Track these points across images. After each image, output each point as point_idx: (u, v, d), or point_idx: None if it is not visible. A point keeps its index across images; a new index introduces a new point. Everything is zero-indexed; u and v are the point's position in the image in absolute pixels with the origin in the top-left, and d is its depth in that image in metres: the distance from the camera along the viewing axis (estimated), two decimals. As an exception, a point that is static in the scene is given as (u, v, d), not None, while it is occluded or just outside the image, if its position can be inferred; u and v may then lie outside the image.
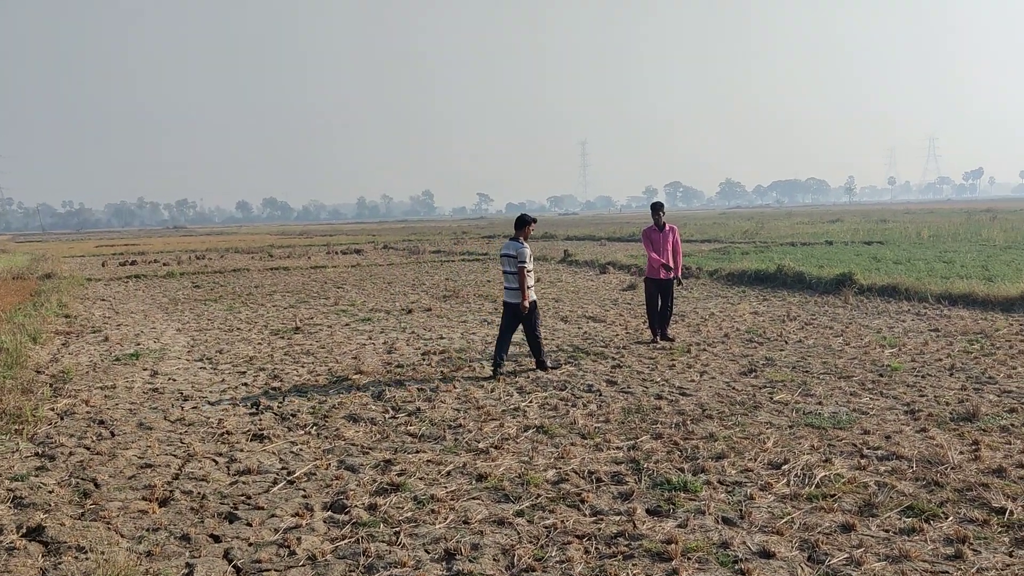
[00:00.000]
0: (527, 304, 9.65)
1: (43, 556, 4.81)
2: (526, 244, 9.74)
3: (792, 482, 5.74)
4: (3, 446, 7.06)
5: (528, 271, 9.66)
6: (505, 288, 9.90)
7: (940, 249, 25.54)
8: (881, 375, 9.04)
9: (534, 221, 10.02)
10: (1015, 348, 10.31)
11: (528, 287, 9.67)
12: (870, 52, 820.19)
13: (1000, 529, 4.87)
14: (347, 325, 14.32)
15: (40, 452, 6.91)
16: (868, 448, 6.45)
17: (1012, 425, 6.94)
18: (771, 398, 8.16)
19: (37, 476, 6.28)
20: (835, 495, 5.47)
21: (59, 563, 4.69)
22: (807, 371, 9.37)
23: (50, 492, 5.91)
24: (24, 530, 5.15)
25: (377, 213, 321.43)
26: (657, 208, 11.68)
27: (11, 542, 4.95)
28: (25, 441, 7.22)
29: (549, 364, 9.97)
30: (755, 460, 6.23)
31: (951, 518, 5.04)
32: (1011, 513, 5.05)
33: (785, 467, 6.04)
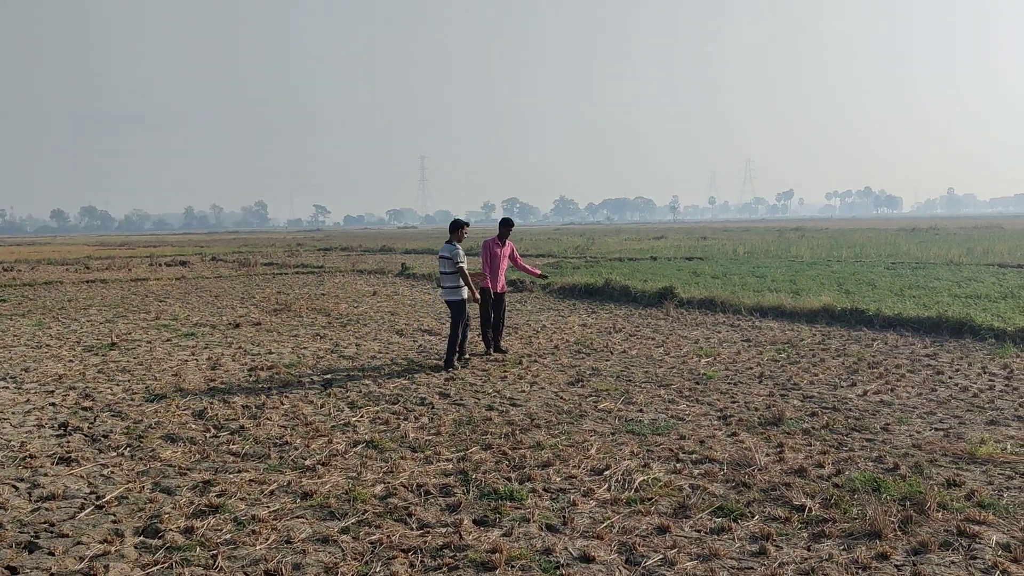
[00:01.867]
0: (478, 296, 10.96)
1: None
2: (458, 245, 10.86)
3: (613, 487, 5.95)
4: None
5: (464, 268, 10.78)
6: (442, 288, 10.91)
7: (754, 264, 27.25)
8: (697, 383, 9.53)
9: (467, 225, 11.19)
10: (817, 356, 11.12)
11: (463, 285, 10.79)
12: (693, 79, 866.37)
13: (800, 525, 5.23)
14: (168, 340, 13.65)
15: None
16: (684, 452, 6.78)
17: (813, 428, 7.48)
18: (596, 407, 8.43)
19: None
20: (652, 499, 5.71)
21: None
22: (630, 380, 9.75)
23: None
24: None
25: (206, 224, 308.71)
26: (508, 223, 11.95)
27: None
28: None
29: (454, 366, 10.68)
30: (579, 467, 6.41)
31: (757, 517, 5.37)
32: (810, 510, 5.43)
33: (607, 473, 6.25)
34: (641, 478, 6.10)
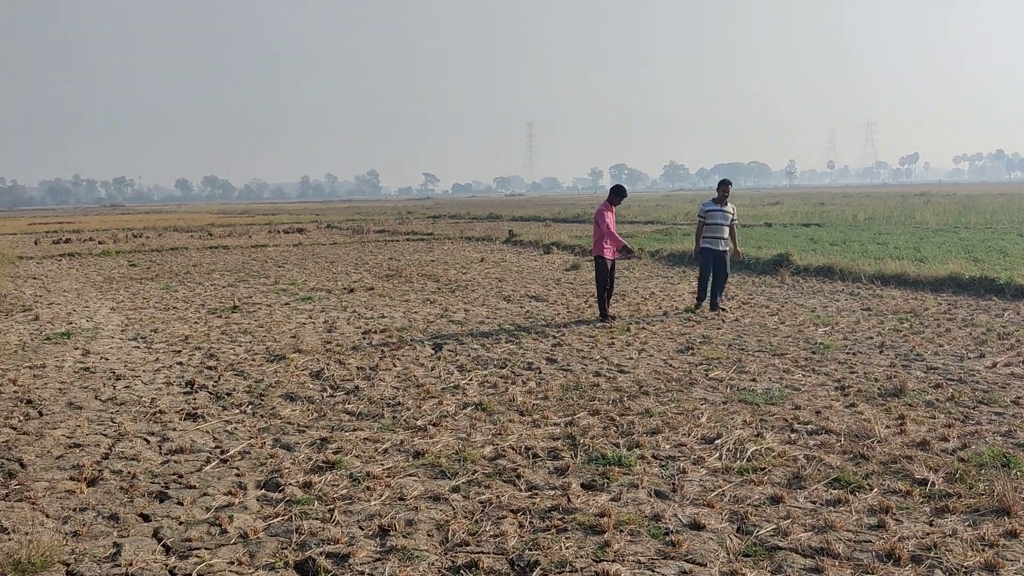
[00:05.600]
0: (740, 251, 12.98)
1: (-37, 538, 4.68)
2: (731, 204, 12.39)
3: (724, 456, 5.85)
4: (-77, 427, 6.83)
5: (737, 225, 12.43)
6: (713, 239, 12.29)
7: (875, 231, 26.16)
8: (814, 352, 9.25)
9: (730, 183, 12.67)
10: (943, 326, 10.62)
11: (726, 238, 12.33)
12: (811, 37, 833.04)
13: (922, 499, 5.02)
14: (287, 304, 14.15)
15: (-37, 433, 6.71)
16: (799, 423, 6.60)
17: (937, 400, 7.16)
18: (707, 375, 8.29)
19: (-41, 457, 6.09)
20: (765, 468, 5.59)
21: (-20, 544, 4.56)
22: (742, 349, 9.55)
23: (-28, 473, 5.74)
24: (-56, 512, 5.00)
25: (321, 192, 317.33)
26: (621, 191, 11.83)
27: (-71, 524, 4.80)
28: (-53, 422, 7.00)
29: (722, 307, 12.28)
30: (689, 435, 6.33)
31: (876, 489, 5.19)
32: (933, 484, 5.21)
33: (717, 442, 6.15)
34: (754, 447, 5.97)
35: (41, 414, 7.31)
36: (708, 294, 12.49)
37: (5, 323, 12.54)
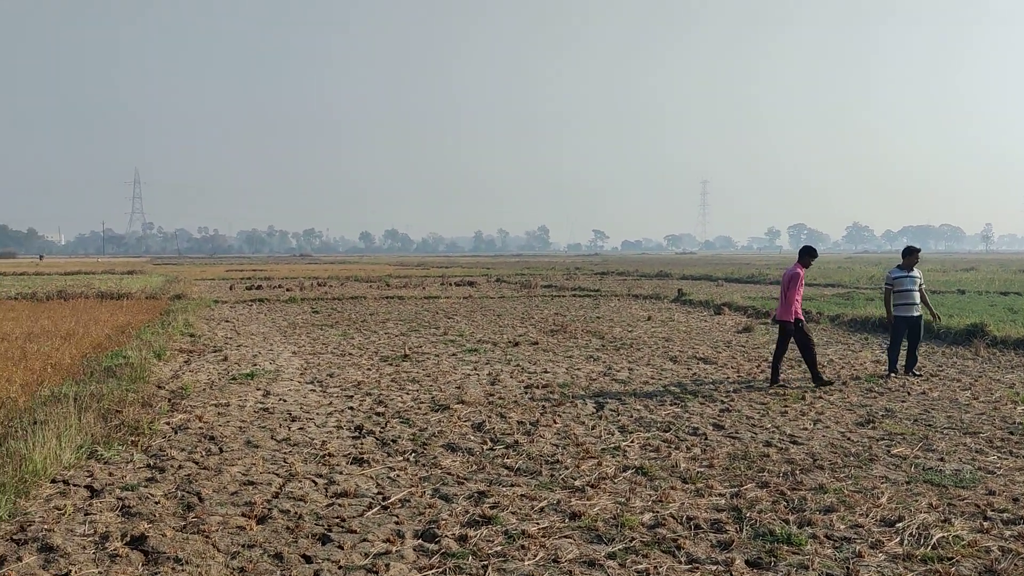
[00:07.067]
0: (935, 314, 13.14)
1: (143, 565, 4.97)
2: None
3: (906, 541, 5.37)
4: (119, 456, 7.38)
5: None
6: (906, 305, 12.42)
7: (1086, 302, 23.81)
8: (1011, 433, 8.42)
9: (919, 250, 12.85)
10: None
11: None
12: (1007, 91, 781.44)
13: None
14: (454, 355, 14.43)
15: (152, 464, 7.19)
16: (993, 510, 5.98)
17: None
18: (888, 451, 7.70)
19: (146, 487, 6.51)
20: (953, 558, 5.08)
21: (157, 573, 4.82)
22: (929, 425, 8.83)
23: (156, 503, 6.12)
24: (128, 538, 5.33)
25: (493, 247, 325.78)
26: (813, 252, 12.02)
27: (115, 549, 5.13)
28: (140, 452, 7.53)
29: (916, 372, 12.21)
30: (867, 516, 5.86)
31: (1087, 594, 4.60)
32: None
33: (899, 525, 5.66)
34: (940, 534, 5.45)
35: (221, 451, 7.73)
36: (897, 362, 12.21)
37: (197, 362, 13.48)
